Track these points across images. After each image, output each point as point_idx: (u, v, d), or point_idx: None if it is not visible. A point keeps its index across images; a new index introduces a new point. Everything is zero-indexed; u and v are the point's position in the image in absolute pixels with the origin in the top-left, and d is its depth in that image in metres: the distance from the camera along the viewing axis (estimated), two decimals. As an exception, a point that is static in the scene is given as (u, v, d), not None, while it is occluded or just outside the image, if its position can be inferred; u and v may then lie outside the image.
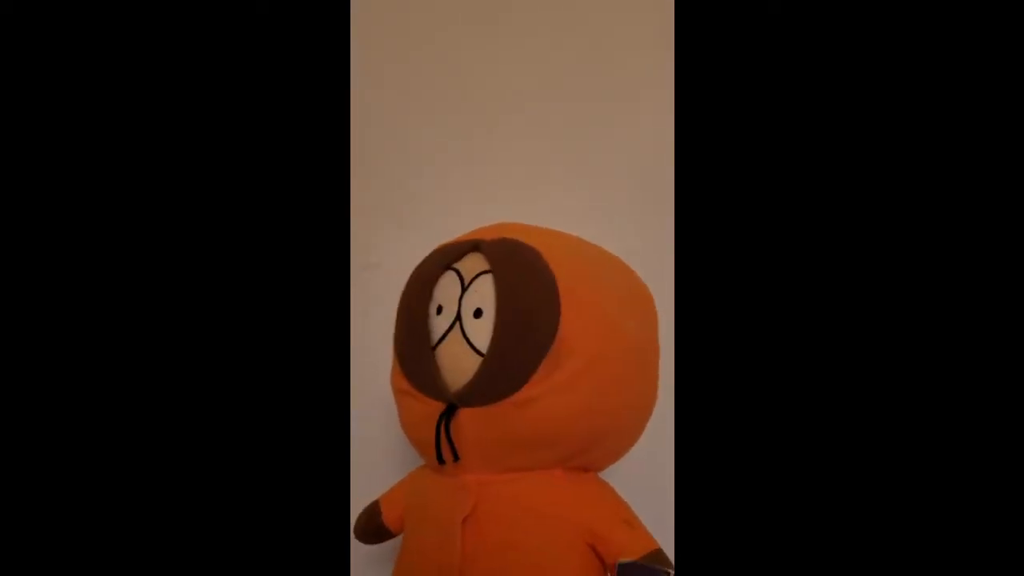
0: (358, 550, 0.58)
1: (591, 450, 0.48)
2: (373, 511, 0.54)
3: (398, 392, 0.48)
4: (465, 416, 0.43)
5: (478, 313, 0.44)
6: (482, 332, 0.43)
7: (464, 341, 0.43)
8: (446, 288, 0.46)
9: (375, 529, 0.54)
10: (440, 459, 0.44)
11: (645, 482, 0.60)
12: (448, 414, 0.43)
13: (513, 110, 0.74)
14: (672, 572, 0.43)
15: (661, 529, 0.49)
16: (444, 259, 0.47)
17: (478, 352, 0.43)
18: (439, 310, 0.45)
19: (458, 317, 0.44)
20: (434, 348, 0.45)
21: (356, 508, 0.57)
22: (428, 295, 0.46)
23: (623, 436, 0.50)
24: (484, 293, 0.44)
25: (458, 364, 0.44)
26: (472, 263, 0.46)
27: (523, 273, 0.43)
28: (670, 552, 0.46)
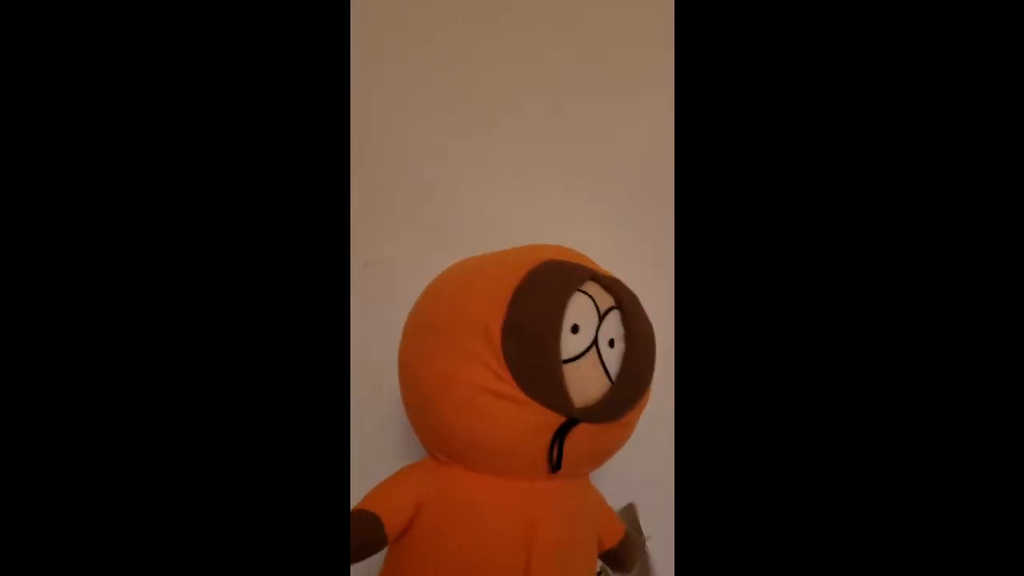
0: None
1: None
2: (372, 526, 0.49)
3: (494, 396, 0.47)
4: (581, 430, 0.47)
5: (612, 343, 0.49)
6: (613, 360, 0.49)
7: (600, 365, 0.48)
8: (583, 311, 0.49)
9: (371, 544, 0.49)
10: (553, 468, 0.48)
11: (645, 479, 0.60)
12: (568, 427, 0.47)
13: (513, 110, 0.74)
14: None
15: (661, 526, 0.50)
16: (572, 279, 0.49)
17: (608, 377, 0.48)
18: (575, 329, 0.48)
19: (595, 342, 0.48)
20: (563, 363, 0.48)
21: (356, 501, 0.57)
22: (561, 312, 0.48)
23: None
24: (616, 326, 0.50)
25: (588, 384, 0.48)
26: (597, 293, 0.50)
27: (641, 318, 0.51)
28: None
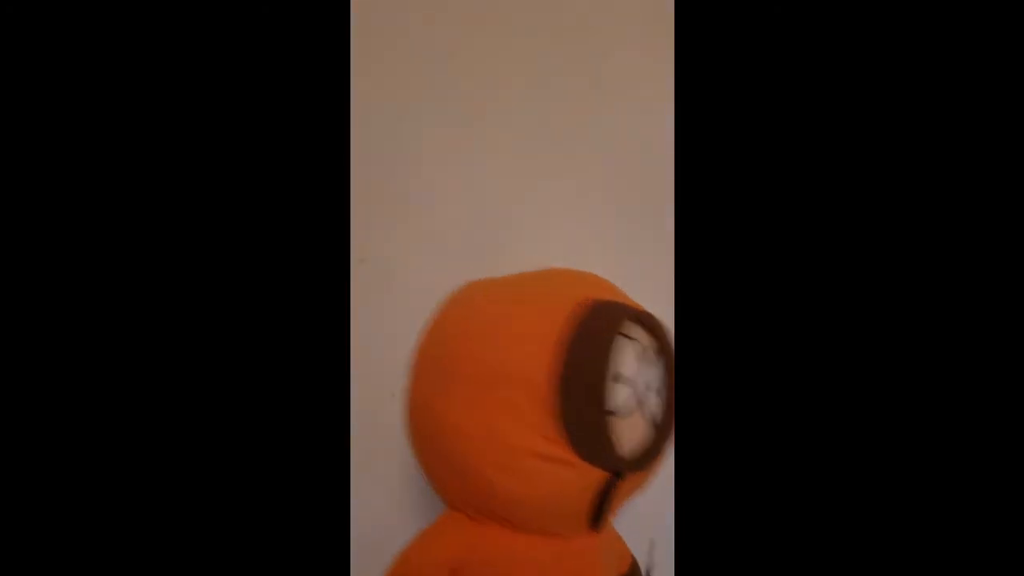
0: (356, 549, 0.57)
1: None
2: None
3: (539, 459, 0.43)
4: (624, 481, 0.45)
5: (654, 388, 0.46)
6: (655, 406, 0.46)
7: (645, 414, 0.45)
8: (627, 358, 0.45)
9: None
10: (595, 524, 0.45)
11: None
12: (614, 482, 0.44)
13: (508, 106, 0.72)
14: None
15: (660, 529, 0.51)
16: (613, 322, 0.45)
17: (652, 424, 0.46)
18: (617, 377, 0.44)
19: (641, 389, 0.45)
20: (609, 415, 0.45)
21: (356, 501, 0.57)
22: (606, 361, 0.43)
23: None
24: (658, 370, 0.46)
25: (633, 435, 0.45)
26: (639, 335, 0.46)
27: (673, 357, 0.47)
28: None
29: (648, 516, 0.52)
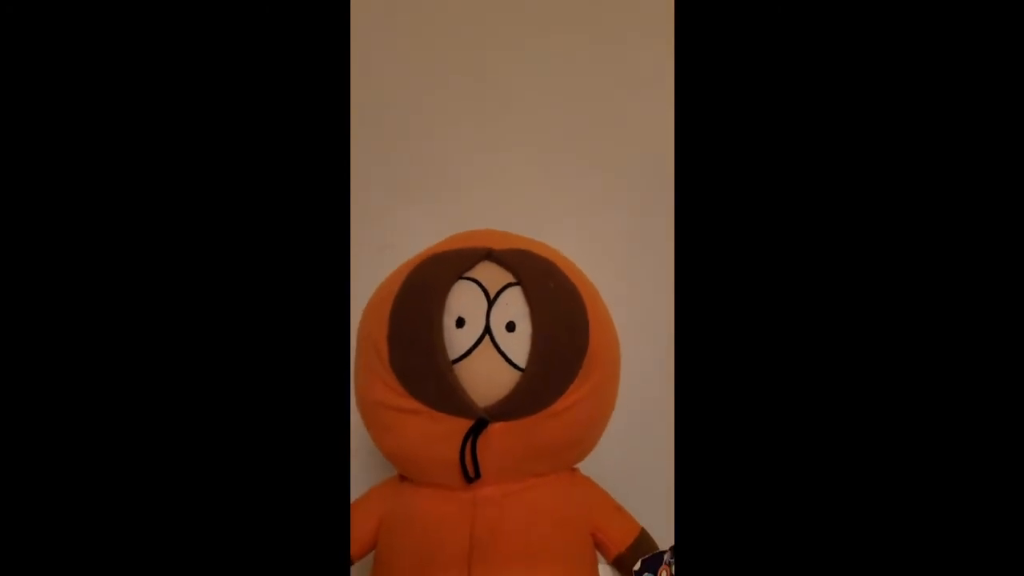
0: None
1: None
2: None
3: (393, 410, 0.45)
4: (496, 430, 0.44)
5: (511, 326, 0.44)
6: (517, 346, 0.44)
7: (499, 356, 0.44)
8: (467, 300, 0.45)
9: None
10: (468, 477, 0.44)
11: (645, 479, 0.60)
12: (477, 430, 0.43)
13: (529, 100, 0.74)
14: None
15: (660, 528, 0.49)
16: (453, 268, 0.45)
17: (515, 366, 0.44)
18: (459, 322, 0.44)
19: (488, 331, 0.44)
20: (454, 363, 0.44)
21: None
22: (441, 306, 0.44)
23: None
24: (515, 306, 0.44)
25: (490, 379, 0.44)
26: (490, 274, 0.45)
27: (554, 286, 0.45)
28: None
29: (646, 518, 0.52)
